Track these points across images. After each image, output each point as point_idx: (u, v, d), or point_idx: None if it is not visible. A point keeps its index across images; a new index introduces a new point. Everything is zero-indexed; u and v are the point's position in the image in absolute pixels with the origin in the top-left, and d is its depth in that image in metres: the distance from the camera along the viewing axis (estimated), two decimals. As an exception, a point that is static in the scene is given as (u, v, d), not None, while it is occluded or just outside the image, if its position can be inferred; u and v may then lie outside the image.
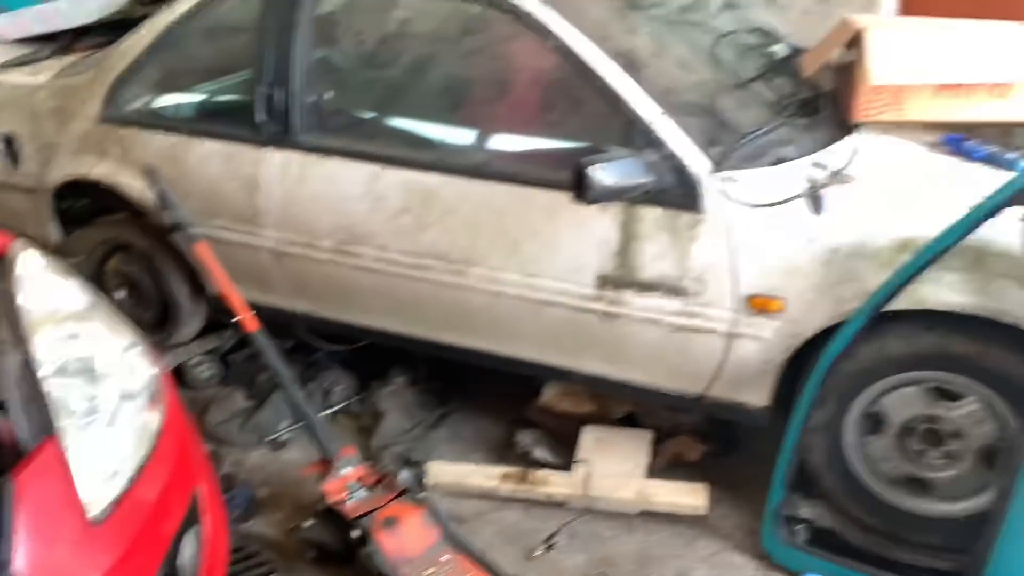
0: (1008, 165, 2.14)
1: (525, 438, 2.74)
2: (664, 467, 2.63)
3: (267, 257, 2.83)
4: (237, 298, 2.54)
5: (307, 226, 2.70)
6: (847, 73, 2.35)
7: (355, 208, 2.59)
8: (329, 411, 2.99)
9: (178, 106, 2.98)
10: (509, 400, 2.93)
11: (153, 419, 1.55)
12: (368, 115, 2.69)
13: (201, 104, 2.96)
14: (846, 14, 5.05)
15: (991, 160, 2.17)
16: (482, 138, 2.54)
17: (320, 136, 2.66)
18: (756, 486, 2.44)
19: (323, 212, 2.65)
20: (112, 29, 3.64)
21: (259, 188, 2.74)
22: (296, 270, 2.81)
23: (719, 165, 2.17)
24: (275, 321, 3.03)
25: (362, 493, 2.30)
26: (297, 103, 2.66)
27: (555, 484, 2.54)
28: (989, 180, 2.08)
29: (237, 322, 2.53)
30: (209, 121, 2.88)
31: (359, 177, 2.56)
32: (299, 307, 2.93)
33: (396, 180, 2.51)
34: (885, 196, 2.06)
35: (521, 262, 2.41)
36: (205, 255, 2.57)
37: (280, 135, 2.69)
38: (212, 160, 2.80)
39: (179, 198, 2.70)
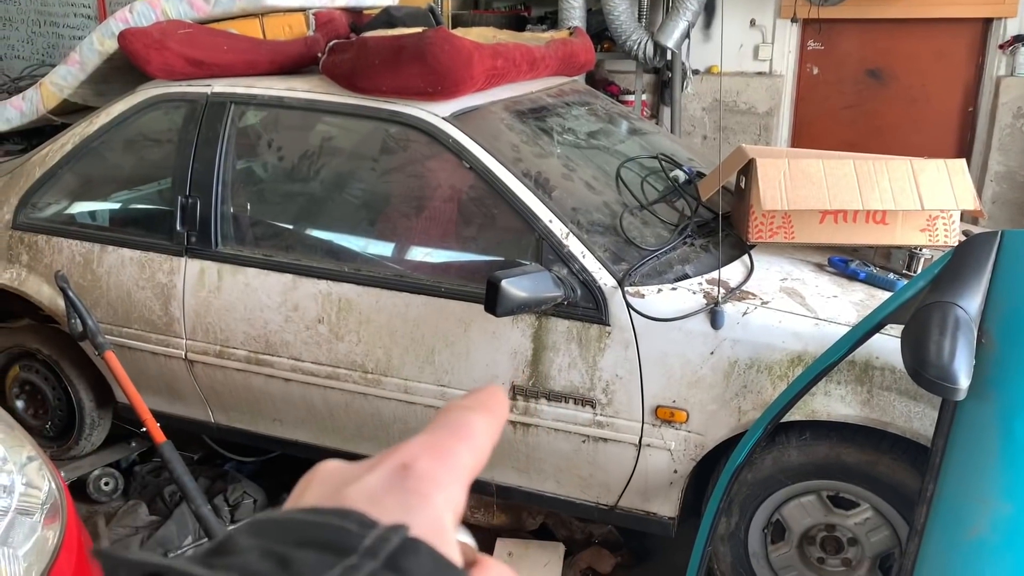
0: (887, 285, 2.30)
1: (438, 551, 2.71)
2: (577, 579, 2.63)
3: (179, 366, 2.80)
4: (144, 408, 2.49)
5: (222, 335, 2.69)
6: (742, 198, 2.52)
7: (271, 317, 2.60)
8: (237, 525, 2.89)
9: (93, 214, 2.97)
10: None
11: (50, 536, 1.50)
12: (287, 226, 2.74)
13: (116, 212, 2.96)
14: (742, 142, 5.41)
15: (872, 280, 2.34)
16: (398, 250, 2.61)
17: (238, 246, 2.69)
18: (667, 597, 2.46)
19: (238, 321, 2.65)
20: (27, 137, 3.64)
21: (174, 297, 2.73)
22: (208, 379, 2.78)
23: (625, 281, 2.28)
24: (184, 431, 2.97)
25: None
26: (217, 213, 2.69)
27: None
28: (871, 299, 2.24)
29: (143, 433, 2.48)
30: (124, 229, 2.88)
31: (276, 287, 2.59)
32: (210, 417, 2.89)
33: (312, 290, 2.54)
34: (778, 312, 2.19)
35: (435, 372, 2.45)
36: (114, 364, 2.52)
37: (198, 244, 2.70)
38: (125, 268, 2.79)
39: (90, 306, 2.67)
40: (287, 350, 2.60)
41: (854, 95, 5.84)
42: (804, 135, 5.95)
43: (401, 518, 0.32)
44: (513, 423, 2.41)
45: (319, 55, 2.80)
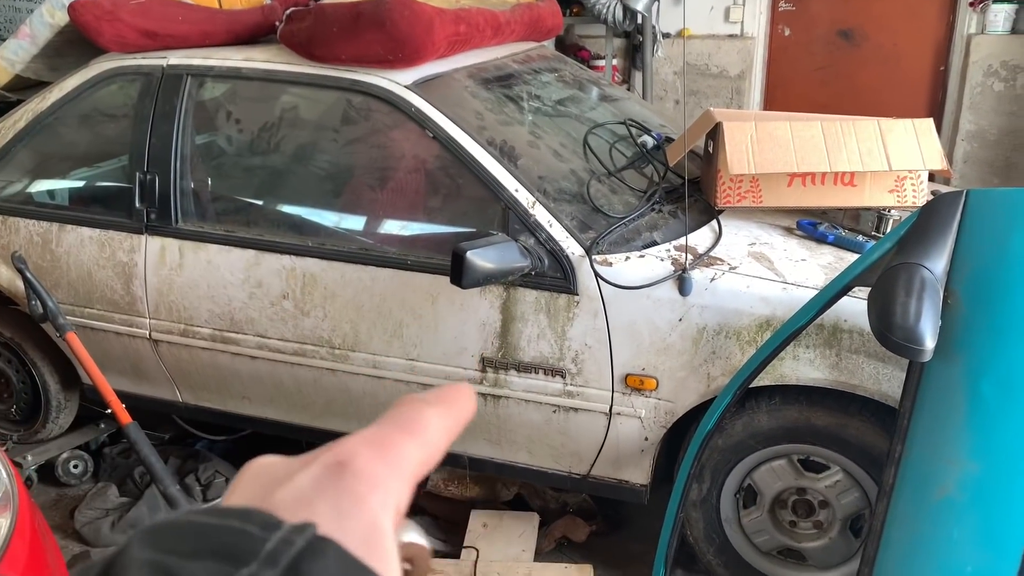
0: (856, 247, 2.29)
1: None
2: (552, 548, 2.63)
3: (143, 346, 2.75)
4: (109, 389, 2.45)
5: (185, 313, 2.64)
6: (710, 162, 2.49)
7: (234, 294, 2.55)
8: (209, 504, 2.87)
9: (50, 192, 2.90)
10: (396, 486, 2.88)
11: (2, 524, 1.47)
12: (248, 201, 2.68)
13: (74, 190, 2.90)
14: (714, 105, 5.37)
15: (841, 242, 2.33)
16: (363, 223, 2.56)
17: (199, 222, 2.63)
18: (641, 563, 2.47)
19: (202, 299, 2.60)
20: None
21: (135, 275, 2.68)
22: (174, 359, 2.74)
23: (592, 249, 2.25)
24: (152, 412, 2.93)
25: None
26: (176, 189, 2.63)
27: (443, 572, 2.50)
28: (839, 261, 2.23)
29: (111, 414, 2.44)
30: (83, 207, 2.81)
31: (238, 263, 2.54)
32: (177, 397, 2.85)
33: (276, 266, 2.50)
34: (746, 277, 2.18)
35: (403, 346, 2.42)
36: (76, 345, 2.48)
37: (158, 221, 2.64)
38: (85, 247, 2.72)
39: (50, 287, 2.62)
40: (252, 327, 2.56)
41: (826, 56, 5.80)
42: (777, 97, 5.92)
43: (331, 521, 0.30)
44: (484, 395, 2.39)
45: (277, 24, 2.73)
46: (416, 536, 0.36)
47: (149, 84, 2.69)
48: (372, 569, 0.29)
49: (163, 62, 2.70)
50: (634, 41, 5.67)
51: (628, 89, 5.56)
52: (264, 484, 0.33)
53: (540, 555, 2.57)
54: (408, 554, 0.34)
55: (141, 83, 2.72)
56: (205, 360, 2.68)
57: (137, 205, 2.66)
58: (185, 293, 2.63)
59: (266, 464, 0.35)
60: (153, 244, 2.65)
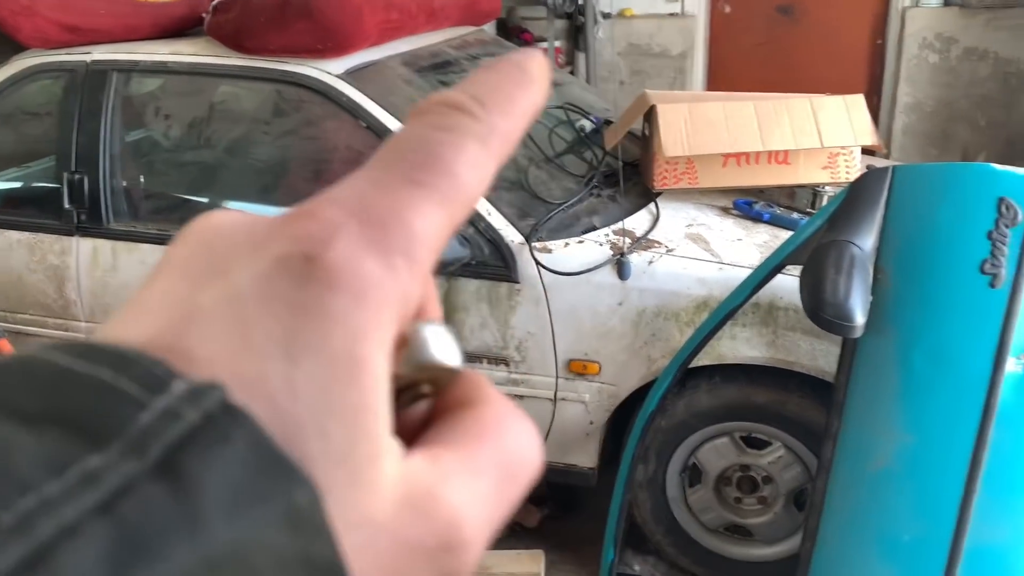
0: (791, 224, 2.31)
1: (363, 518, 2.69)
2: (504, 535, 2.64)
3: (80, 350, 2.68)
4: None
5: (121, 315, 2.58)
6: (646, 145, 2.50)
7: (171, 294, 2.50)
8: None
9: (-25, 196, 2.81)
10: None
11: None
12: (182, 198, 2.63)
13: (1, 192, 2.81)
14: (658, 86, 5.37)
15: (776, 220, 2.35)
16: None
17: (132, 222, 2.57)
18: (594, 545, 2.48)
19: (138, 300, 2.55)
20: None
21: (68, 278, 2.61)
22: (112, 362, 2.68)
23: (532, 236, 2.24)
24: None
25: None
26: (106, 188, 2.57)
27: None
28: (775, 240, 2.25)
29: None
30: (10, 210, 2.73)
31: (173, 263, 2.48)
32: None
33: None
34: (683, 259, 2.19)
35: (345, 340, 2.39)
36: (9, 352, 2.41)
37: (89, 222, 2.58)
38: (14, 251, 2.65)
39: (-23, 293, 2.54)
40: (191, 327, 2.51)
41: (766, 33, 5.85)
42: (719, 75, 5.95)
43: (275, 364, 0.19)
44: (429, 386, 2.38)
45: (204, 16, 2.67)
46: (448, 350, 0.23)
47: (73, 80, 2.62)
48: (292, 463, 0.18)
49: (86, 58, 2.62)
50: (576, 22, 5.66)
51: (572, 72, 5.55)
52: (193, 274, 0.21)
53: (492, 542, 2.57)
54: (429, 377, 0.23)
55: (65, 80, 2.64)
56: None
57: (66, 206, 2.59)
58: (121, 295, 2.57)
59: (212, 231, 0.23)
60: (85, 246, 2.58)
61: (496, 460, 0.22)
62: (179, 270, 0.22)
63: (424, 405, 0.23)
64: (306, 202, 0.21)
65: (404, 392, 0.23)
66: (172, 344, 0.19)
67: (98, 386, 0.18)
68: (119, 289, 2.56)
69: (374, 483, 0.20)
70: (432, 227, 0.22)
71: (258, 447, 0.18)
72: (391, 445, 0.20)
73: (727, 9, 5.90)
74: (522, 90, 0.24)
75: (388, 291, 0.20)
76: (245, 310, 0.20)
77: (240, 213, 0.23)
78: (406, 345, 0.22)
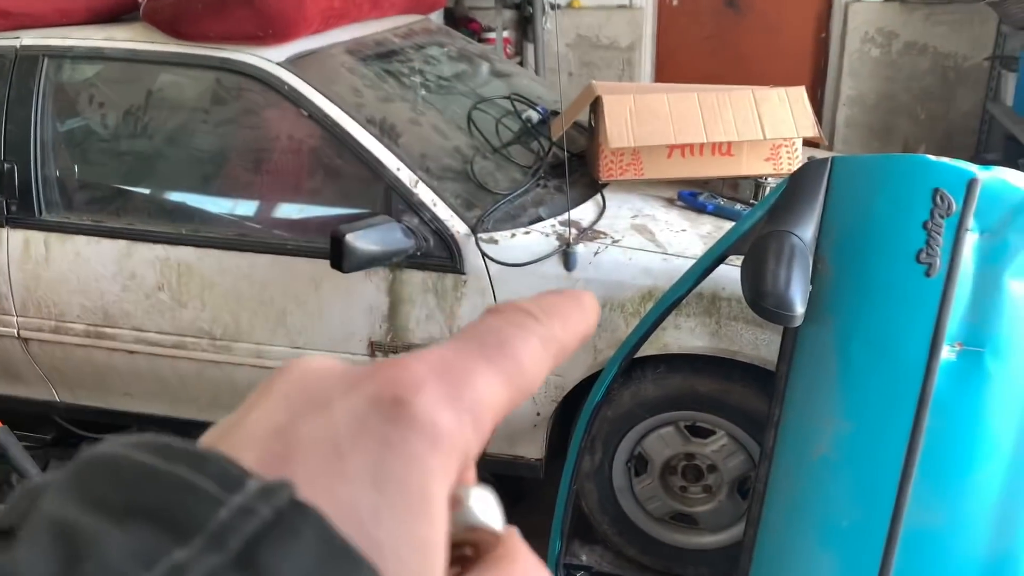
0: (734, 215, 2.33)
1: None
2: (452, 528, 2.63)
3: (12, 345, 2.60)
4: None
5: (56, 309, 2.51)
6: (593, 136, 2.50)
7: (107, 287, 2.44)
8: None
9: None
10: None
11: None
12: (117, 188, 2.55)
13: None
14: (606, 77, 5.38)
15: (720, 211, 2.37)
16: (239, 209, 2.47)
17: (65, 213, 2.50)
18: (541, 536, 2.48)
19: (72, 293, 2.48)
20: None
21: (-1, 271, 2.52)
22: (47, 357, 2.60)
23: (478, 227, 2.23)
24: (29, 413, 2.79)
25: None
26: (38, 178, 2.49)
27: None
28: (718, 230, 2.27)
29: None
30: (-64, 201, 2.63)
31: (109, 255, 2.42)
32: (54, 396, 2.71)
33: (149, 256, 2.39)
34: (628, 250, 2.19)
35: (288, 334, 2.35)
36: None
37: (19, 213, 2.49)
38: (-59, 243, 2.55)
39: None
40: (128, 321, 2.44)
41: (713, 26, 5.90)
42: (667, 68, 5.99)
43: (364, 486, 0.22)
44: (374, 379, 2.35)
45: (140, 1, 2.59)
46: (494, 514, 0.25)
47: (2, 67, 2.53)
48: (359, 554, 0.20)
49: (16, 43, 2.53)
50: (524, 13, 5.64)
51: (520, 63, 5.54)
52: (293, 406, 0.24)
53: (440, 535, 2.56)
54: (474, 539, 0.25)
55: (-7, 66, 2.54)
56: (80, 357, 2.56)
57: (-5, 197, 2.50)
58: (54, 288, 2.49)
59: (311, 372, 0.25)
60: (15, 237, 2.50)
61: None
62: (279, 402, 0.24)
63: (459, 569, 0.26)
64: (398, 356, 0.25)
65: (451, 549, 0.25)
66: (275, 469, 0.22)
67: (178, 483, 0.20)
68: (52, 282, 2.48)
69: None
70: (495, 397, 0.25)
71: (327, 539, 0.20)
72: (437, 565, 0.23)
73: (675, 2, 5.93)
74: (578, 313, 0.29)
75: (456, 442, 0.24)
76: (340, 441, 0.23)
77: (334, 359, 0.26)
78: (457, 506, 0.25)
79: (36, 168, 2.48)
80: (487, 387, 0.25)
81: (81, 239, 2.45)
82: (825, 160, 1.84)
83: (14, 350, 2.61)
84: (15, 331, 2.56)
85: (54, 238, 2.47)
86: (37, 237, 2.48)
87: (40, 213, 2.48)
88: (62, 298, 2.49)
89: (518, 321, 0.27)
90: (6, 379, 2.70)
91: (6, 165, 2.49)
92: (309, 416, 0.23)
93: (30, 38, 2.53)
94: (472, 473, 0.27)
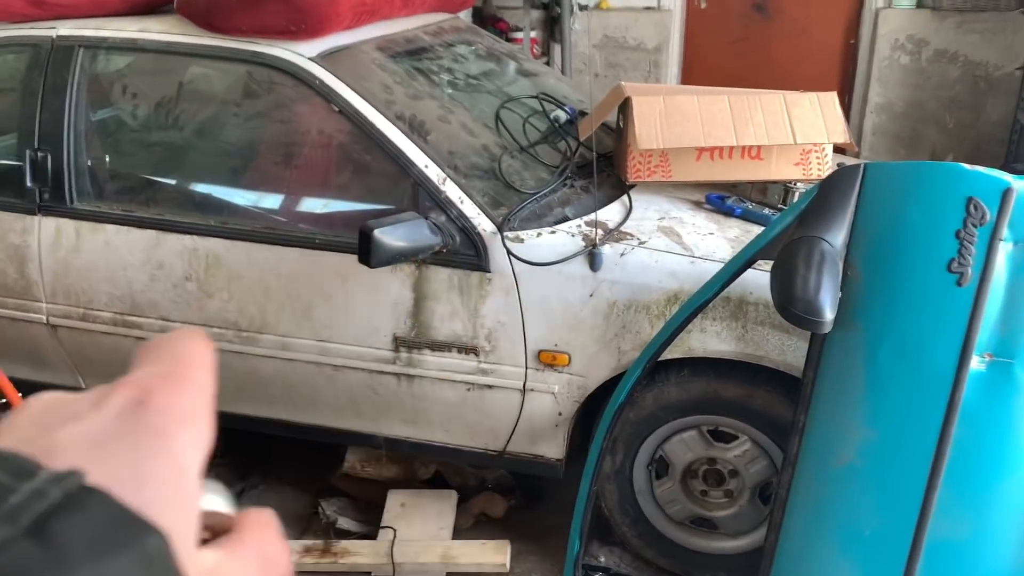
0: (762, 220, 2.32)
1: (329, 508, 2.66)
2: (470, 525, 2.63)
3: (41, 332, 2.63)
4: (3, 378, 2.34)
5: (84, 297, 2.53)
6: (620, 137, 2.49)
7: (135, 277, 2.46)
8: None
9: (-66, 172, 2.74)
10: (313, 469, 2.84)
11: None
12: (148, 179, 2.58)
13: (-39, 169, 2.74)
14: (632, 79, 5.37)
15: (748, 215, 2.36)
16: (268, 202, 2.49)
17: (96, 202, 2.52)
18: (559, 537, 2.48)
19: (101, 282, 2.50)
20: None
21: (29, 258, 2.55)
22: (74, 344, 2.63)
23: (504, 226, 2.23)
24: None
25: None
26: (70, 167, 2.51)
27: (359, 553, 2.47)
28: (746, 234, 2.26)
29: (4, 404, 2.33)
30: (-30, 187, 2.66)
31: (138, 244, 2.44)
32: (80, 383, 2.74)
33: (178, 246, 2.41)
34: (655, 252, 2.19)
35: (314, 327, 2.36)
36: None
37: (52, 201, 2.52)
38: (-27, 229, 2.58)
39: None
40: (155, 310, 2.47)
41: (741, 29, 5.87)
42: (694, 70, 5.97)
43: (127, 468, 0.27)
44: (397, 375, 2.36)
45: (174, -7, 2.61)
46: (220, 501, 0.31)
47: (38, 56, 2.55)
48: (147, 520, 0.25)
49: (52, 33, 2.56)
50: (552, 13, 5.64)
51: (547, 63, 5.54)
52: (46, 424, 0.28)
53: (459, 532, 2.57)
54: (208, 522, 0.30)
55: (29, 55, 2.57)
56: (107, 345, 2.58)
57: (29, 184, 2.53)
58: (83, 276, 2.52)
59: (49, 401, 0.30)
60: (47, 225, 2.53)
61: (256, 554, 0.31)
62: (29, 427, 0.28)
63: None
64: (121, 380, 0.30)
65: None
66: (43, 458, 0.26)
67: None
68: (82, 270, 2.51)
69: (191, 554, 0.27)
70: (209, 391, 0.31)
71: (112, 510, 0.25)
72: (196, 539, 0.28)
73: (703, 5, 5.91)
74: (192, 333, 0.34)
75: (198, 423, 0.29)
76: (98, 437, 0.27)
77: (64, 393, 0.31)
78: None
79: (69, 157, 2.51)
80: (202, 383, 0.31)
81: (111, 228, 2.47)
82: (858, 166, 1.82)
83: (42, 336, 2.64)
84: (44, 317, 2.59)
85: (85, 226, 2.49)
86: (68, 225, 2.51)
87: (72, 202, 2.51)
88: (91, 286, 2.51)
89: (183, 342, 0.33)
90: (34, 365, 2.73)
91: (39, 153, 2.51)
92: (62, 428, 0.28)
93: (66, 28, 2.56)
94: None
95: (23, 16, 2.59)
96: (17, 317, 2.63)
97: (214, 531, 0.31)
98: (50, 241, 2.53)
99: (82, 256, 2.50)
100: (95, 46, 2.54)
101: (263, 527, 0.33)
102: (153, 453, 0.27)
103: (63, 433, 0.28)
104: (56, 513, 0.24)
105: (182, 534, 0.27)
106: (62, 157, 2.50)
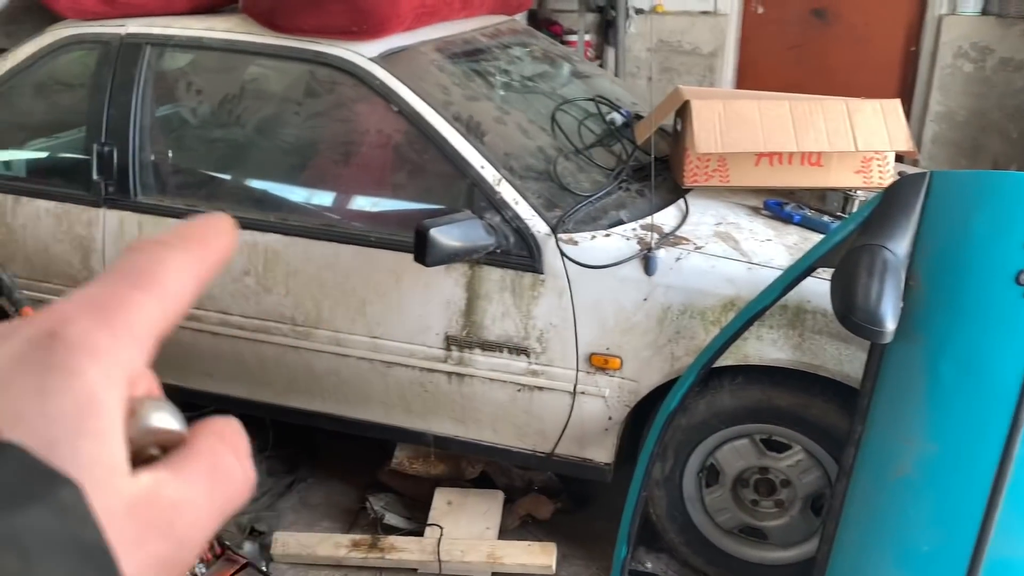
0: (821, 227, 2.29)
1: (377, 503, 2.69)
2: (516, 526, 2.63)
3: (102, 321, 2.70)
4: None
5: (145, 289, 2.59)
6: (677, 141, 2.48)
7: (195, 270, 2.51)
8: None
9: (6, 163, 2.83)
10: (361, 464, 2.87)
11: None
12: (209, 175, 2.63)
13: (31, 161, 2.82)
14: (687, 83, 5.34)
15: (807, 223, 2.32)
16: (325, 199, 2.52)
17: (159, 196, 2.58)
18: (605, 541, 2.47)
19: (162, 274, 2.55)
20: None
21: (93, 250, 2.62)
22: (134, 335, 2.69)
23: (558, 228, 2.23)
24: (112, 388, 2.89)
25: (201, 569, 2.18)
26: (135, 162, 2.58)
27: (406, 550, 2.49)
28: (804, 242, 2.23)
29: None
30: (39, 179, 2.75)
31: (199, 238, 2.49)
32: (138, 373, 2.80)
33: (238, 241, 2.45)
34: (712, 257, 2.17)
35: (367, 324, 2.39)
36: (31, 320, 2.42)
37: (116, 194, 2.59)
38: (42, 220, 2.66)
39: (5, 260, 2.55)
40: (214, 303, 2.51)
41: (799, 35, 5.79)
42: (749, 76, 5.90)
43: (32, 407, 0.25)
44: (448, 373, 2.37)
45: (239, -7, 2.66)
46: (168, 418, 0.30)
47: (107, 53, 2.62)
48: (59, 471, 0.25)
49: (121, 30, 2.63)
50: (607, 16, 5.63)
51: (600, 65, 5.52)
52: None
53: (504, 533, 2.57)
54: (158, 440, 0.29)
55: (99, 52, 2.64)
56: (166, 336, 2.63)
57: (95, 178, 2.60)
58: (145, 268, 2.57)
59: None
60: (112, 218, 2.59)
61: (204, 467, 0.29)
62: None
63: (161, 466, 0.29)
64: (47, 308, 0.29)
65: (139, 454, 0.29)
66: None
67: None
68: (144, 263, 2.57)
69: (116, 486, 0.26)
70: (148, 315, 0.29)
71: (24, 462, 0.24)
72: (124, 467, 0.27)
73: (760, 9, 5.85)
74: (215, 236, 0.33)
75: (116, 354, 0.28)
76: (4, 372, 0.26)
77: None
78: (132, 415, 0.28)
79: (134, 152, 2.57)
80: (139, 309, 0.29)
81: (172, 221, 2.51)
82: (923, 174, 1.79)
83: (104, 326, 2.70)
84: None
85: (148, 220, 2.55)
86: (131, 218, 2.57)
87: (135, 195, 2.57)
88: (152, 278, 2.57)
89: (158, 252, 0.31)
90: (95, 354, 2.80)
91: (106, 148, 2.58)
92: None
93: (135, 26, 2.62)
94: (153, 386, 0.31)
95: (94, 14, 2.67)
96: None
97: (166, 449, 0.30)
98: (114, 233, 2.59)
99: (144, 249, 2.56)
100: (162, 44, 2.60)
101: (217, 436, 0.30)
102: (58, 390, 0.26)
103: None
104: None
105: (102, 467, 0.26)
106: (128, 152, 2.57)
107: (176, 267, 0.30)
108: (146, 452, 0.29)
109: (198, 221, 0.32)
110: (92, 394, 0.26)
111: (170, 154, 2.65)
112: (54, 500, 0.24)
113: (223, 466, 0.30)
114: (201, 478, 0.29)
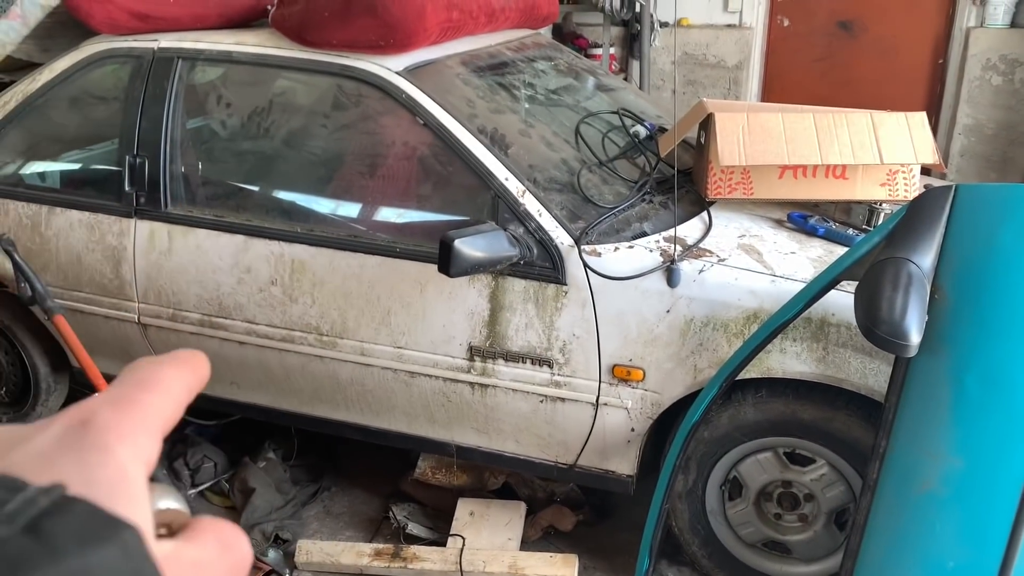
0: (846, 240, 2.28)
1: (399, 513, 2.70)
2: (538, 537, 2.64)
3: (132, 330, 2.74)
4: (97, 373, 2.44)
5: (174, 298, 2.63)
6: (701, 154, 2.48)
7: (223, 280, 2.55)
8: (197, 489, 2.88)
9: (40, 175, 2.89)
10: (384, 474, 2.89)
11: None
12: (238, 186, 2.67)
13: (64, 173, 2.88)
14: (712, 96, 5.34)
15: (830, 236, 2.32)
16: (351, 210, 2.55)
17: (188, 207, 2.62)
18: (627, 554, 2.47)
19: (190, 284, 2.60)
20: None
21: (124, 259, 2.67)
22: (162, 343, 2.73)
23: (582, 239, 2.24)
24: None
25: None
26: (166, 173, 2.62)
27: (428, 560, 2.50)
28: (829, 255, 2.22)
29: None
30: (72, 190, 2.80)
31: (227, 248, 2.53)
32: (166, 381, 2.84)
33: (265, 251, 2.49)
34: (735, 269, 2.17)
35: (391, 334, 2.41)
36: (64, 328, 2.46)
37: (147, 205, 2.63)
38: (74, 230, 2.71)
39: (39, 269, 2.61)
40: (241, 313, 2.55)
41: (825, 47, 5.78)
42: (775, 88, 5.89)
43: (76, 476, 0.30)
44: (471, 384, 2.39)
45: (269, 8, 2.71)
46: (174, 502, 0.35)
47: (140, 67, 2.68)
48: (122, 518, 0.29)
49: (154, 45, 2.68)
50: (632, 30, 5.65)
51: (625, 79, 5.54)
52: (0, 449, 0.32)
53: (526, 544, 2.57)
54: (165, 520, 0.34)
55: (132, 66, 2.70)
56: (193, 345, 2.67)
57: (127, 188, 2.65)
58: (174, 278, 2.62)
59: (3, 430, 0.34)
60: (142, 228, 2.64)
61: (213, 537, 0.34)
62: None
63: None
64: (73, 406, 0.34)
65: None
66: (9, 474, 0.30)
67: None
68: (173, 272, 2.61)
69: (151, 543, 0.31)
70: (157, 411, 0.35)
71: (91, 510, 0.29)
72: (152, 532, 0.32)
73: (785, 22, 5.84)
74: (196, 365, 0.39)
75: (136, 439, 0.33)
76: (45, 452, 0.31)
77: (12, 424, 0.34)
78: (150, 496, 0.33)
79: (165, 163, 2.62)
80: (150, 406, 0.34)
81: (202, 232, 2.56)
82: (949, 187, 1.78)
83: (134, 335, 2.75)
84: (136, 316, 2.70)
85: (177, 230, 2.60)
86: (162, 229, 2.62)
87: (166, 206, 2.61)
88: (181, 288, 2.61)
89: (158, 365, 0.37)
90: (124, 361, 2.82)
91: (138, 160, 2.63)
92: (14, 450, 0.31)
93: (167, 41, 2.68)
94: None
95: (128, 29, 2.72)
96: (111, 315, 2.74)
97: (171, 528, 0.35)
98: (144, 243, 2.64)
99: (173, 259, 2.60)
100: (193, 58, 2.65)
101: (219, 520, 0.36)
102: (97, 463, 0.31)
103: (14, 455, 0.31)
104: (46, 516, 0.28)
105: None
106: (159, 163, 2.61)
107: (174, 376, 0.37)
108: (156, 531, 0.33)
109: (180, 351, 0.39)
110: (123, 468, 0.32)
111: (200, 166, 2.70)
112: (120, 540, 0.29)
113: (228, 535, 0.35)
114: (212, 544, 0.34)
